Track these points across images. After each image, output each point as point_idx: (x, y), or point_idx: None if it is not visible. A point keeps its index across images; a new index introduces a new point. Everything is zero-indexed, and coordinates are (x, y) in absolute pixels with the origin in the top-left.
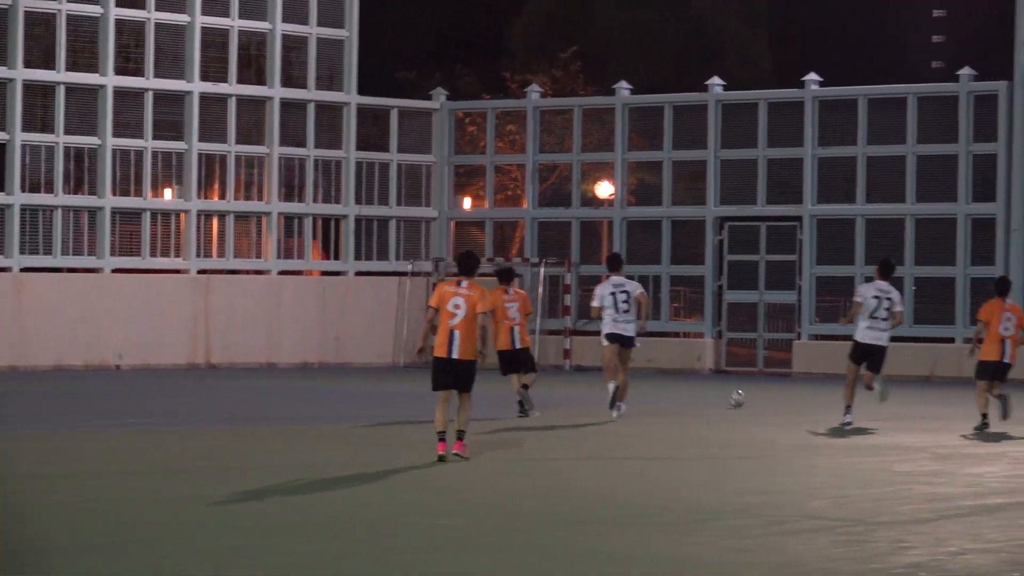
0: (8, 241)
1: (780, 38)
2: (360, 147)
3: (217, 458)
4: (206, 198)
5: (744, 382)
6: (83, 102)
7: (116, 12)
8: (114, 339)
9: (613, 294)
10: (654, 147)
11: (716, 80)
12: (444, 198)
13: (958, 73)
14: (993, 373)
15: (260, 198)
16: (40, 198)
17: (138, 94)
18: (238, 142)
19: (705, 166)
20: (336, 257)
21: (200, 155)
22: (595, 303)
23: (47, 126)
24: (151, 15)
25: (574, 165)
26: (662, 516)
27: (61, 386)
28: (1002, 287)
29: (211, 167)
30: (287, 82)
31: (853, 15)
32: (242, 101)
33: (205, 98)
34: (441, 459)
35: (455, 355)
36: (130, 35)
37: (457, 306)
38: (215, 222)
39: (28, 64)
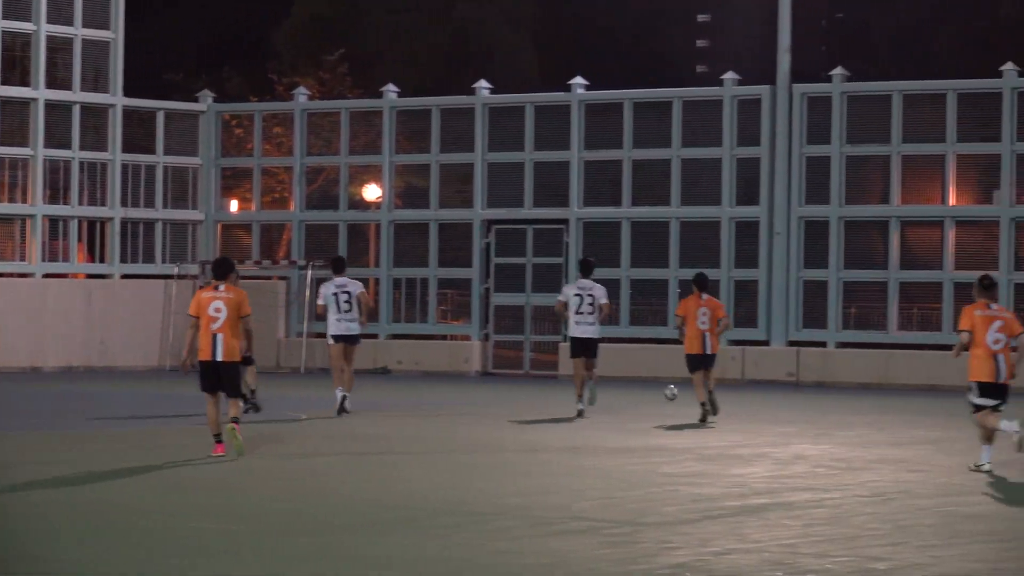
0: None
1: (546, 43)
2: (126, 149)
3: None
4: None
5: (511, 384)
6: None
7: None
8: None
9: (336, 295)
10: (421, 150)
11: (483, 83)
12: (211, 201)
13: (722, 78)
14: (700, 363)
15: (24, 200)
16: None
17: None
18: (2, 144)
19: (472, 169)
20: (102, 260)
21: None
22: (320, 302)
23: None
24: None
25: (341, 168)
26: (430, 519)
27: None
28: (700, 282)
29: None
30: (52, 83)
31: (619, 20)
32: (6, 103)
33: None
34: (220, 459)
35: (219, 357)
36: None
37: (218, 309)
38: None
39: None
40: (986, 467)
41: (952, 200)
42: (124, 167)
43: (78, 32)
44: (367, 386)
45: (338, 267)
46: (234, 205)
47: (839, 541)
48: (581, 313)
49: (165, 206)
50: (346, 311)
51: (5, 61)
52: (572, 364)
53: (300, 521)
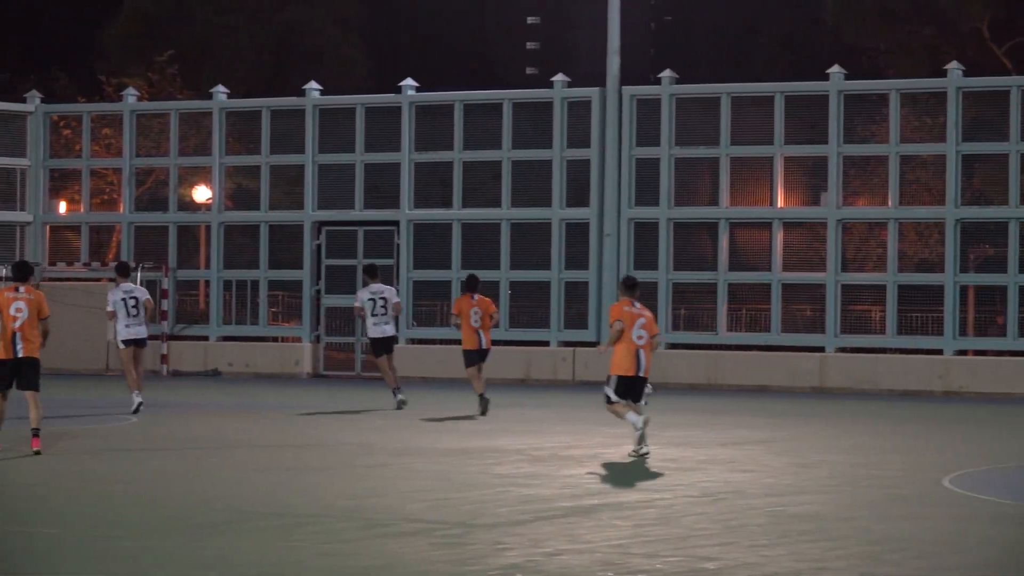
0: None
1: (377, 45)
2: None
3: None
4: None
5: (343, 387)
6: None
7: None
8: None
9: (124, 300)
10: (251, 151)
11: (313, 85)
12: (39, 202)
13: (552, 80)
14: (477, 358)
15: None
16: None
17: None
18: None
19: (303, 170)
20: None
21: None
22: (109, 308)
23: None
24: None
25: (171, 169)
26: (258, 521)
27: None
28: (470, 283)
29: None
30: None
31: (449, 22)
32: None
33: None
34: (37, 454)
35: (20, 354)
36: None
37: (19, 309)
38: None
39: None
40: (645, 450)
41: (780, 202)
42: None
43: None
44: (195, 387)
45: (123, 271)
46: (63, 206)
47: (669, 541)
48: (376, 315)
49: None
50: (134, 315)
51: None
52: (377, 363)
53: (122, 524)
